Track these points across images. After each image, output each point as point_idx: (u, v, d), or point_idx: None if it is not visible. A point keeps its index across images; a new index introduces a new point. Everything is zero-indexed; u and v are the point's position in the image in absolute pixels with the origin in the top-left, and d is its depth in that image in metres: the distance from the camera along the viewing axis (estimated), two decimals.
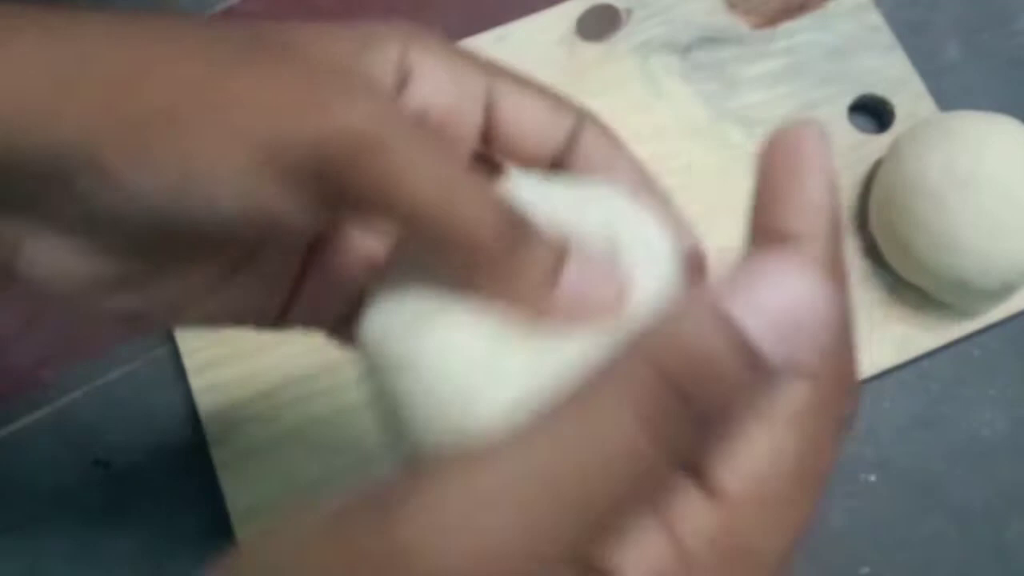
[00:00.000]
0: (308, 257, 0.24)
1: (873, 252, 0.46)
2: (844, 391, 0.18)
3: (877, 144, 0.47)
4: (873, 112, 0.49)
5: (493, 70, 0.23)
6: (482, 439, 0.16)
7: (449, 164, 0.19)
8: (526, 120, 0.23)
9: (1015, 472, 0.44)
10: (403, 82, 0.22)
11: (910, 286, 0.45)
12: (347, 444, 0.42)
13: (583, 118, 0.24)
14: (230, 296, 0.23)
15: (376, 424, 0.21)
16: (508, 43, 0.49)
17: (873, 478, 0.43)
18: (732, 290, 0.16)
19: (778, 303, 0.16)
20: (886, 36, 0.50)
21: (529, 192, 0.22)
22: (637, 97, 0.48)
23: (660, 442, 0.16)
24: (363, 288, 0.23)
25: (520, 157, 0.24)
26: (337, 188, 0.19)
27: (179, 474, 0.43)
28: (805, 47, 0.49)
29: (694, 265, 0.22)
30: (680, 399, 0.16)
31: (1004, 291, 0.43)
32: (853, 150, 0.48)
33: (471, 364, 0.19)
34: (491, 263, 0.19)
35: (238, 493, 0.41)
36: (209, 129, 0.18)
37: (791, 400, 0.17)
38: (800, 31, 0.50)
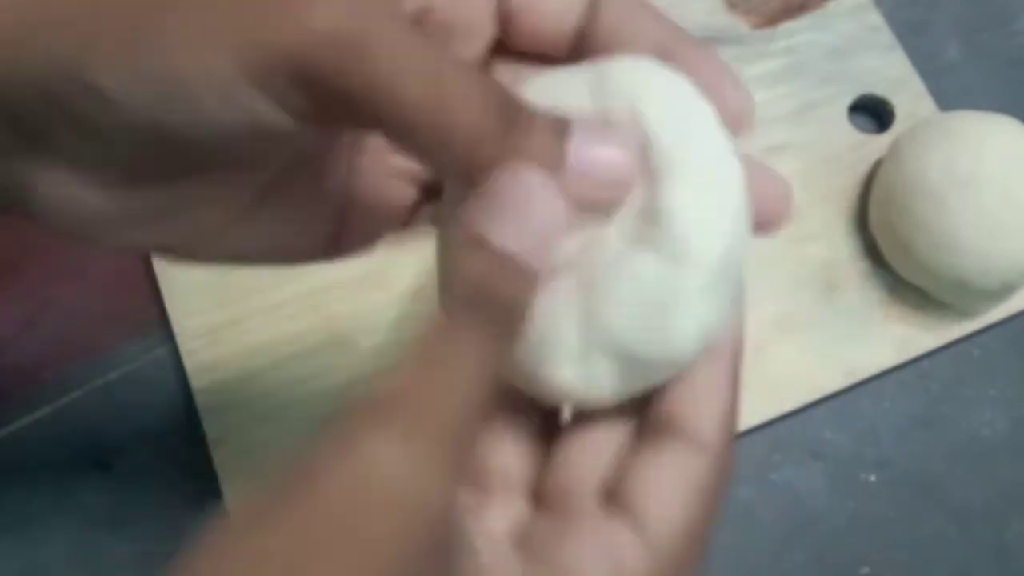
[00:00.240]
0: (348, 183, 0.24)
1: (873, 252, 0.46)
2: (732, 461, 0.22)
3: (877, 144, 0.47)
4: (873, 112, 0.49)
5: None
6: None
7: (436, 60, 0.18)
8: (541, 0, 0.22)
9: (1015, 472, 0.44)
10: None
11: (910, 286, 0.45)
12: None
13: (696, 48, 0.23)
14: (261, 229, 0.22)
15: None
16: None
17: (873, 478, 0.43)
18: None
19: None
20: (886, 36, 0.50)
21: (548, 91, 0.21)
22: None
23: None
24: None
25: (541, 40, 0.23)
26: (322, 94, 0.18)
27: (179, 474, 0.43)
28: (805, 47, 0.49)
29: (738, 121, 0.23)
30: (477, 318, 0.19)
31: (1004, 291, 0.43)
32: (853, 150, 0.48)
33: None
34: (489, 158, 0.19)
35: (238, 493, 0.41)
36: (191, 35, 0.18)
37: (704, 468, 0.21)
38: (800, 31, 0.50)
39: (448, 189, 0.22)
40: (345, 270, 0.44)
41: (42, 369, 0.44)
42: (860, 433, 0.44)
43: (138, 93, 0.18)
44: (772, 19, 0.50)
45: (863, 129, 0.49)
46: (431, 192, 0.25)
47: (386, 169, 0.24)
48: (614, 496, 0.21)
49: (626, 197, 0.20)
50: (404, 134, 0.19)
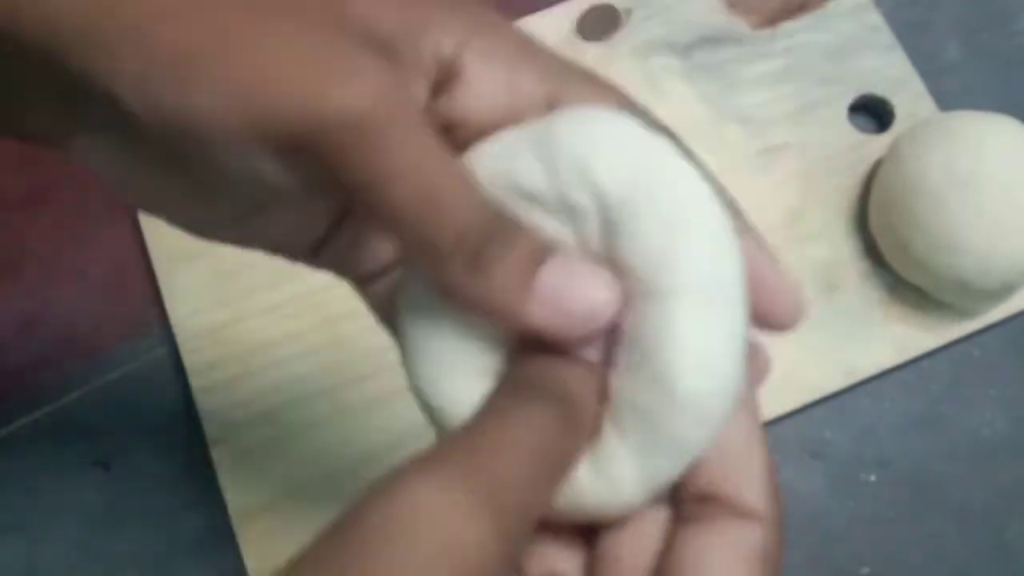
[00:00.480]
0: (345, 208, 0.24)
1: (873, 252, 0.46)
2: (782, 540, 0.21)
3: (877, 144, 0.47)
4: (873, 112, 0.49)
5: (560, 73, 0.22)
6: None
7: (436, 167, 0.19)
8: None
9: (1015, 472, 0.44)
10: (448, 78, 0.21)
11: (910, 286, 0.45)
12: (347, 444, 0.42)
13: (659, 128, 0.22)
14: (261, 228, 0.23)
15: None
16: None
17: (873, 478, 0.43)
18: None
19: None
20: (886, 36, 0.50)
21: (498, 162, 0.20)
22: (637, 97, 0.48)
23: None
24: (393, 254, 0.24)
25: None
26: (324, 171, 0.19)
27: (179, 474, 0.43)
28: (805, 47, 0.49)
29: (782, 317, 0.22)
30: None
31: (1004, 291, 0.43)
32: (853, 150, 0.48)
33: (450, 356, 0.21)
34: (462, 270, 0.19)
35: (238, 493, 0.41)
36: (211, 79, 0.18)
37: (758, 541, 0.20)
38: (800, 31, 0.50)
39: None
40: None
41: (42, 369, 0.44)
42: (860, 433, 0.44)
43: (153, 118, 0.19)
44: (772, 19, 0.50)
45: (863, 129, 0.49)
46: None
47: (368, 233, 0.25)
48: None
49: (596, 333, 0.20)
50: (390, 227, 0.19)
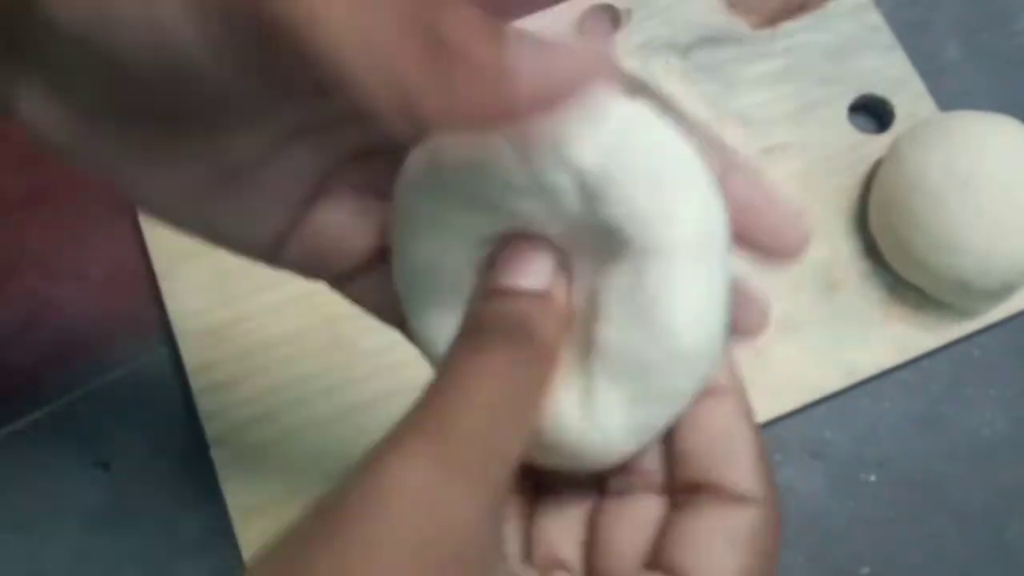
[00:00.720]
0: (313, 195, 0.23)
1: (873, 252, 0.46)
2: (778, 522, 0.21)
3: (877, 144, 0.47)
4: (873, 112, 0.49)
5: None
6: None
7: (368, 16, 0.17)
8: None
9: (1015, 472, 0.44)
10: None
11: (910, 286, 0.45)
12: (347, 444, 0.42)
13: (645, 90, 0.22)
14: (220, 206, 0.22)
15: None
16: None
17: (873, 478, 0.43)
18: None
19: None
20: (886, 36, 0.50)
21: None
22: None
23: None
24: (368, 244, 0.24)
25: None
26: (250, 38, 0.17)
27: (179, 474, 0.43)
28: (805, 47, 0.49)
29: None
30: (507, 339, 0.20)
31: (1004, 291, 0.43)
32: (853, 150, 0.48)
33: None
34: (434, 86, 0.17)
35: (238, 493, 0.41)
36: None
37: (751, 523, 0.21)
38: (800, 31, 0.50)
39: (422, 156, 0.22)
40: None
41: (42, 369, 0.44)
42: (860, 433, 0.44)
43: (72, 13, 0.18)
44: (772, 19, 0.50)
45: (863, 129, 0.49)
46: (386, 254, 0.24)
47: (353, 208, 0.24)
48: (661, 567, 0.21)
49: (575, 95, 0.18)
50: (350, 89, 0.17)
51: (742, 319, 0.22)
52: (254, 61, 0.18)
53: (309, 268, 0.25)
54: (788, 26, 0.50)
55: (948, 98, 0.49)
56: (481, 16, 0.17)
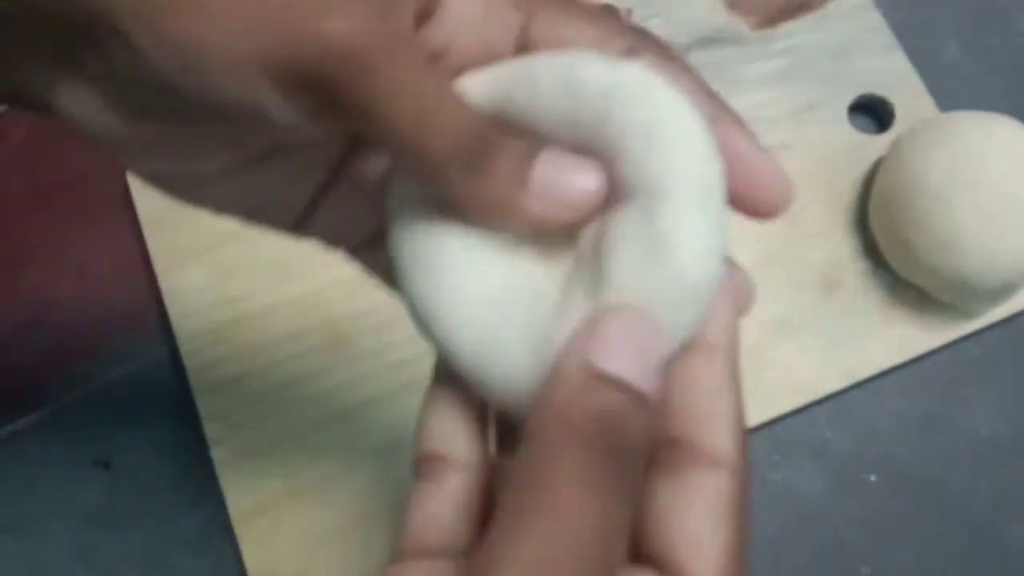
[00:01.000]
0: (338, 168, 0.24)
1: (873, 252, 0.46)
2: (748, 469, 0.21)
3: (877, 144, 0.48)
4: (873, 112, 0.49)
5: (536, 2, 0.23)
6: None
7: (429, 88, 0.20)
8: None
9: (1015, 472, 0.44)
10: (428, 10, 0.22)
11: (910, 286, 0.45)
12: (346, 444, 0.42)
13: (641, 42, 0.23)
14: (249, 184, 0.23)
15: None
16: None
17: (873, 478, 0.43)
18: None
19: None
20: (886, 36, 0.50)
21: (502, 85, 0.22)
22: None
23: (618, 497, 0.18)
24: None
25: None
26: (326, 100, 0.19)
27: (179, 474, 0.43)
28: (805, 47, 0.49)
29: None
30: (609, 454, 0.18)
31: (1004, 291, 0.43)
32: (853, 150, 0.48)
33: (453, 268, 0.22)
34: (460, 174, 0.20)
35: (238, 493, 0.41)
36: (217, 18, 0.19)
37: (730, 490, 0.20)
38: (800, 31, 0.50)
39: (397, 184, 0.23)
40: (345, 270, 0.44)
41: (42, 369, 0.44)
42: (860, 433, 0.44)
43: (165, 56, 0.19)
44: (772, 19, 0.50)
45: (863, 129, 0.49)
46: None
47: (367, 183, 0.25)
48: (645, 553, 0.20)
49: (588, 221, 0.21)
50: (389, 147, 0.21)
51: (756, 195, 0.23)
52: (327, 122, 0.20)
53: (332, 238, 0.26)
54: (788, 26, 0.50)
55: (948, 98, 0.49)
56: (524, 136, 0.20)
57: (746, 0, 0.50)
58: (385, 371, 0.43)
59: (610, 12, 0.23)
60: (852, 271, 0.46)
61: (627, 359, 0.19)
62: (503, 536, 0.18)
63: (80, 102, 0.21)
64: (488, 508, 0.22)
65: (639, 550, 0.20)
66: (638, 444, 0.19)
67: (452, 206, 0.21)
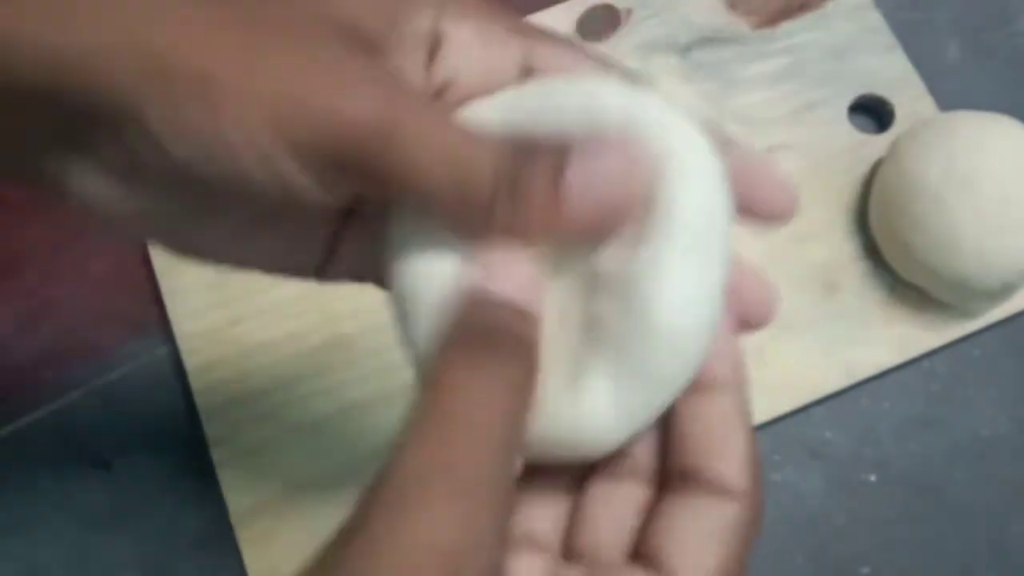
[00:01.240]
0: (346, 216, 0.25)
1: (873, 252, 0.46)
2: (760, 515, 0.22)
3: (877, 144, 0.47)
4: (873, 112, 0.49)
5: (532, 35, 0.23)
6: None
7: (456, 144, 0.20)
8: None
9: (1015, 472, 0.44)
10: (434, 50, 0.23)
11: (910, 286, 0.45)
12: (346, 444, 0.42)
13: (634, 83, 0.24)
14: (265, 240, 0.24)
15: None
16: None
17: (873, 478, 0.43)
18: None
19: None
20: (886, 36, 0.50)
21: (521, 110, 0.22)
22: None
23: (505, 383, 0.20)
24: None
25: None
26: (353, 173, 0.20)
27: (179, 474, 0.43)
28: (805, 47, 0.49)
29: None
30: (492, 349, 0.20)
31: (1004, 291, 0.43)
32: (853, 150, 0.48)
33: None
34: (505, 208, 0.20)
35: (238, 493, 0.41)
36: (238, 101, 0.19)
37: (734, 516, 0.21)
38: (800, 31, 0.50)
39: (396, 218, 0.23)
40: None
41: (42, 369, 0.44)
42: (860, 433, 0.44)
43: (178, 138, 0.19)
44: (772, 19, 0.50)
45: (863, 129, 0.49)
46: None
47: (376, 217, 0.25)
48: (643, 554, 0.21)
49: (629, 213, 0.21)
50: (427, 207, 0.21)
51: (747, 309, 0.23)
52: (357, 191, 0.21)
53: (357, 276, 0.26)
54: (788, 26, 0.50)
55: (948, 98, 0.49)
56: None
57: (746, 0, 0.50)
58: (385, 371, 0.43)
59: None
60: (852, 271, 0.46)
61: (510, 283, 0.21)
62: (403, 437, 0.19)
63: (92, 185, 0.21)
64: None
65: (644, 557, 0.21)
66: (520, 341, 0.20)
67: (487, 236, 0.21)
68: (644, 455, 0.23)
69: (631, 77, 0.23)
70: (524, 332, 0.21)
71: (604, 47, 0.49)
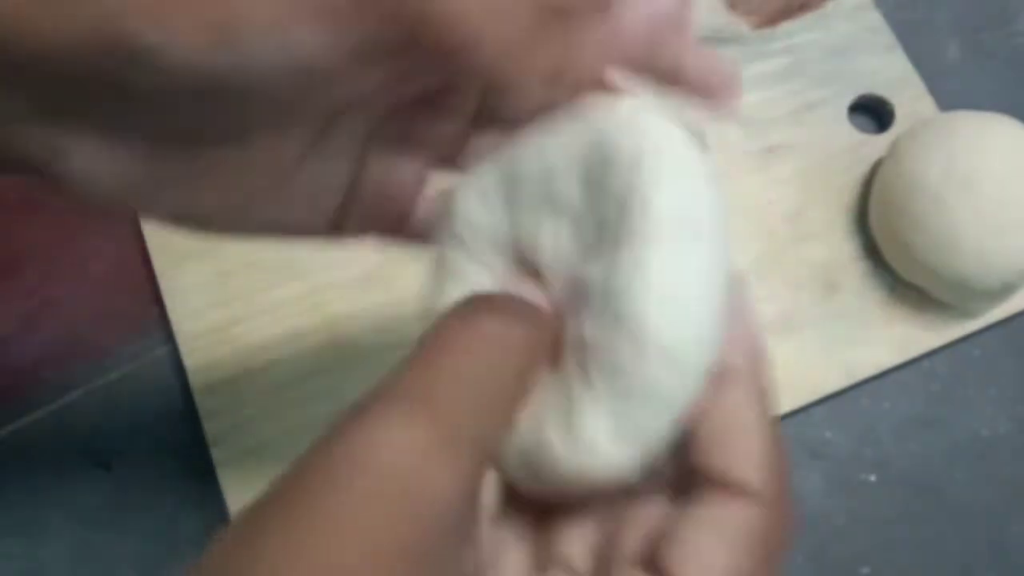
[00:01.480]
0: (359, 166, 0.24)
1: (873, 252, 0.46)
2: (785, 523, 0.20)
3: (877, 144, 0.47)
4: (873, 112, 0.49)
5: None
6: None
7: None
8: None
9: (1015, 472, 0.44)
10: None
11: (910, 286, 0.45)
12: None
13: None
14: (279, 202, 0.22)
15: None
16: None
17: (873, 478, 0.43)
18: None
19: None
20: (886, 36, 0.50)
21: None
22: None
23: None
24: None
25: None
26: (381, 37, 0.18)
27: (179, 474, 0.43)
28: (805, 47, 0.49)
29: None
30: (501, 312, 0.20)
31: (1004, 291, 0.43)
32: (853, 150, 0.48)
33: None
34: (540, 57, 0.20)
35: (238, 493, 0.41)
36: None
37: (747, 520, 0.19)
38: (800, 31, 0.50)
39: (439, 205, 0.23)
40: (345, 270, 0.44)
41: (42, 369, 0.44)
42: (860, 433, 0.44)
43: (183, 43, 0.17)
44: (772, 19, 0.50)
45: (863, 129, 0.49)
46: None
47: (395, 165, 0.24)
48: (655, 564, 0.19)
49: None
50: (475, 70, 0.19)
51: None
52: (383, 61, 0.19)
53: (370, 231, 0.25)
54: (788, 26, 0.50)
55: (948, 98, 0.49)
56: None
57: (746, 0, 0.50)
58: (385, 371, 0.43)
59: None
60: (852, 271, 0.46)
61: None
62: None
63: (90, 154, 0.19)
64: None
65: (655, 564, 0.20)
66: (525, 314, 0.20)
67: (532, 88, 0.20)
68: (663, 463, 0.21)
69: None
70: (530, 306, 0.20)
71: None
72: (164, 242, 0.45)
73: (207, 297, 0.44)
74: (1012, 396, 0.45)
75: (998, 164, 0.41)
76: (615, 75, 0.21)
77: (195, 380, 0.43)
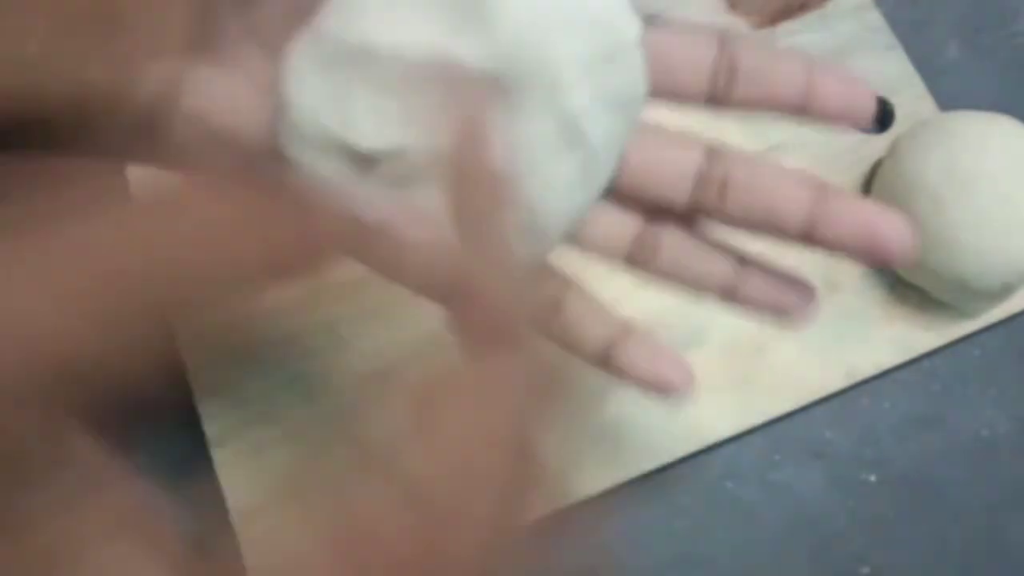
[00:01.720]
0: (194, 45, 0.23)
1: None
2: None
3: (877, 144, 0.47)
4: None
5: None
6: None
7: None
8: None
9: (1015, 472, 0.44)
10: None
11: (910, 286, 0.45)
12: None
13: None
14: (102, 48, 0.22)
15: None
16: None
17: (873, 478, 0.43)
18: None
19: None
20: (886, 36, 0.50)
21: None
22: None
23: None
24: None
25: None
26: None
27: (179, 474, 0.43)
28: (805, 47, 0.49)
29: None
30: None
31: (1004, 291, 0.43)
32: (853, 150, 0.48)
33: None
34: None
35: (238, 493, 0.41)
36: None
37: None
38: (800, 31, 0.50)
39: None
40: (345, 270, 0.44)
41: None
42: (860, 433, 0.44)
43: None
44: (772, 19, 0.50)
45: (863, 129, 0.49)
46: None
47: (237, 69, 0.24)
48: None
49: None
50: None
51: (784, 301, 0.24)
52: None
53: (201, 142, 0.23)
54: (788, 26, 0.50)
55: (948, 98, 0.49)
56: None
57: (746, 0, 0.50)
58: (385, 372, 0.43)
59: None
60: (852, 271, 0.46)
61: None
62: None
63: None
64: None
65: None
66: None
67: None
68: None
69: None
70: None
71: None
72: None
73: None
74: (1012, 396, 0.45)
75: (998, 164, 0.41)
76: None
77: (195, 380, 0.43)
